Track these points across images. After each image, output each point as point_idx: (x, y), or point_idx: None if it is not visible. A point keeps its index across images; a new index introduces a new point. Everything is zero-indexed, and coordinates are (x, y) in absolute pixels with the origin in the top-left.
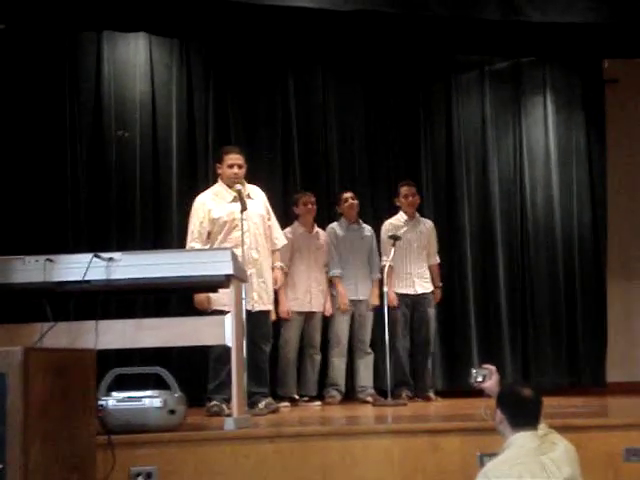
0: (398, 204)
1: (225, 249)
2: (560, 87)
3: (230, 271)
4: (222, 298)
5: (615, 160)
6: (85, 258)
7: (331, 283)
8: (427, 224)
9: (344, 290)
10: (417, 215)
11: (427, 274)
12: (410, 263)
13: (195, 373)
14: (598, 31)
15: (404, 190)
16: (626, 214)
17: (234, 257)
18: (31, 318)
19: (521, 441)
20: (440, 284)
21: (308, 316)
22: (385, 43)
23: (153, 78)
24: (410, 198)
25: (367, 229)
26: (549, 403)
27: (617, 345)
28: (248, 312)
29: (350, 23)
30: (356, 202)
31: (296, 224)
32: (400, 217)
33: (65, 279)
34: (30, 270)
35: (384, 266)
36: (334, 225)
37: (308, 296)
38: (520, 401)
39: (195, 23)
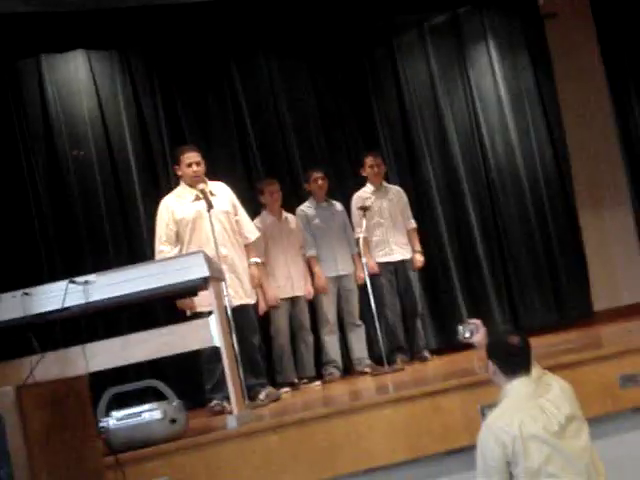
0: (365, 174)
1: (197, 253)
2: (501, 31)
3: (206, 273)
4: (201, 300)
5: (567, 93)
6: (61, 286)
7: (309, 264)
8: (396, 191)
9: (320, 270)
10: (384, 184)
11: (405, 240)
12: (386, 232)
13: (192, 375)
14: None
15: (369, 160)
16: (586, 144)
17: (207, 259)
18: (19, 352)
19: (517, 388)
20: (419, 248)
21: (293, 301)
22: (321, 16)
23: (98, 92)
24: (376, 168)
25: (337, 205)
26: (540, 343)
27: (598, 274)
28: None
29: (284, 2)
30: (325, 182)
31: (264, 213)
32: (367, 188)
33: (44, 310)
34: (8, 307)
35: (358, 238)
36: (303, 207)
37: (289, 282)
38: (509, 350)
39: (129, 31)
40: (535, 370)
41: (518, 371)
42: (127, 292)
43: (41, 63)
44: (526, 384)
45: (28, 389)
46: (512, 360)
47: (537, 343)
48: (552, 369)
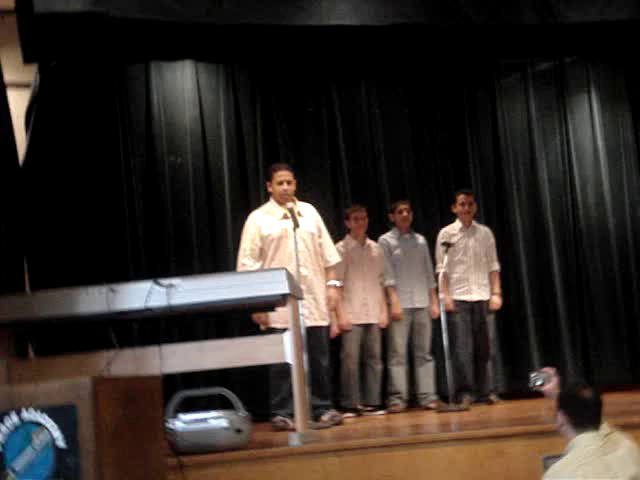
0: (455, 211)
1: (280, 269)
2: (604, 84)
3: (286, 290)
4: (276, 316)
5: None
6: (145, 285)
7: (386, 293)
8: (484, 231)
9: (398, 300)
10: (474, 223)
11: (486, 281)
12: (467, 270)
13: (258, 388)
14: (637, 26)
15: (460, 198)
16: None
17: (289, 276)
18: (96, 346)
19: (584, 442)
20: (498, 291)
21: (366, 328)
22: (425, 52)
23: (201, 104)
24: (467, 206)
25: (420, 238)
26: (611, 401)
27: None
28: None
29: (390, 36)
30: (410, 214)
31: (348, 238)
32: (456, 225)
33: (128, 307)
34: (93, 300)
35: (438, 273)
36: (386, 236)
37: (365, 308)
38: (581, 403)
39: (239, 47)
40: (604, 426)
41: (587, 425)
42: (208, 299)
43: (150, 69)
44: (594, 439)
45: (104, 382)
46: (583, 414)
47: (608, 400)
48: (622, 428)
